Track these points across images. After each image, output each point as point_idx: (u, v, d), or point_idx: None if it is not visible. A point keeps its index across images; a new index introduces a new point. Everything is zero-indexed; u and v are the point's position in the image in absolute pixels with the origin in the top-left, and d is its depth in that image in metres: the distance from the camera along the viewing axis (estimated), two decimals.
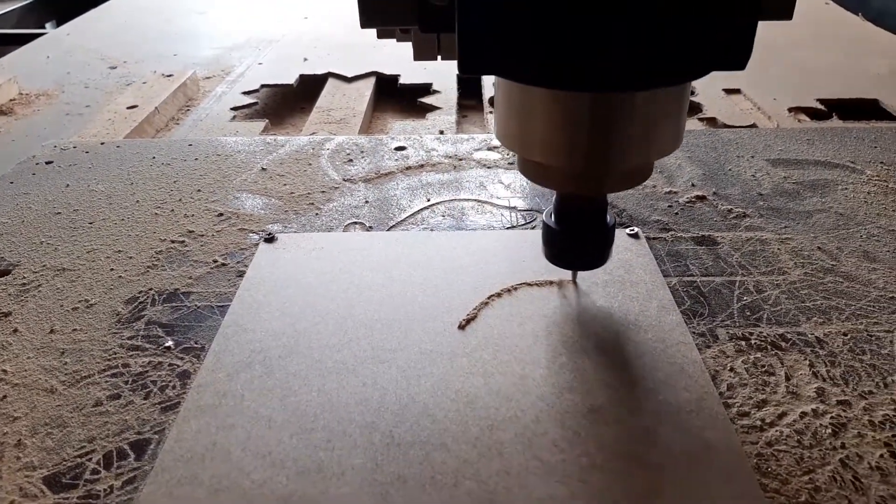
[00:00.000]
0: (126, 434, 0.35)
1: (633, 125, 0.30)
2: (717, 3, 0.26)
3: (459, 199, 0.56)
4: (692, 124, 0.75)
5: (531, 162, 0.34)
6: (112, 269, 0.48)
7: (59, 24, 1.42)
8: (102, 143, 0.67)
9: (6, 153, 0.70)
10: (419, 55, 0.35)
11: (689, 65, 0.28)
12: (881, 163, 0.61)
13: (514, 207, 0.55)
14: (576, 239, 0.38)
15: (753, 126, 0.73)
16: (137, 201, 0.57)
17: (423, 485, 0.31)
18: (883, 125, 0.71)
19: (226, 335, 0.41)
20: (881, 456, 0.33)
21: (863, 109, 0.79)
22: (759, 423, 0.35)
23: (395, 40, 0.36)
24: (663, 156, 0.33)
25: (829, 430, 0.35)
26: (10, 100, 0.94)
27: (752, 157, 0.63)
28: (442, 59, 0.35)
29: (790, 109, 0.78)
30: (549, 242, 0.39)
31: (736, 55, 0.27)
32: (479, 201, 0.56)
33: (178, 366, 0.39)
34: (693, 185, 0.58)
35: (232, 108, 0.82)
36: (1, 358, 0.40)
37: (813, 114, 0.77)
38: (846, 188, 0.57)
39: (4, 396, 0.37)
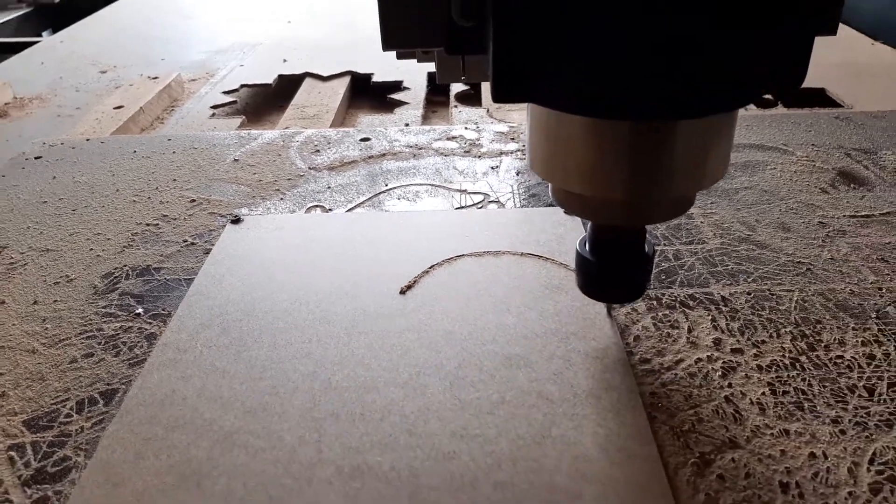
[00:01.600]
0: (97, 385, 0.39)
1: (681, 153, 0.28)
2: (771, 19, 0.24)
3: (415, 184, 0.61)
4: None
5: (567, 192, 0.32)
6: (91, 249, 0.53)
7: (54, 32, 1.47)
8: (88, 140, 0.72)
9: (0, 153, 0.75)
10: (443, 77, 0.35)
11: (740, 89, 0.25)
12: (812, 145, 0.66)
13: (465, 190, 0.60)
14: (613, 272, 0.36)
15: None
16: (117, 190, 0.61)
17: (353, 420, 0.36)
18: (822, 111, 0.75)
19: (190, 302, 0.45)
20: (763, 393, 0.37)
21: (810, 98, 0.83)
22: (657, 367, 0.39)
23: (415, 60, 0.36)
24: (711, 184, 0.31)
25: (720, 373, 0.39)
26: (5, 104, 0.98)
27: None
28: (466, 81, 0.34)
29: None
30: (583, 273, 0.37)
31: (792, 73, 0.25)
32: (432, 185, 0.61)
33: (147, 329, 0.44)
34: None
35: (212, 107, 0.87)
36: None
37: (760, 103, 0.82)
38: (774, 168, 0.62)
39: None
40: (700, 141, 0.28)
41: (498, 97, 0.26)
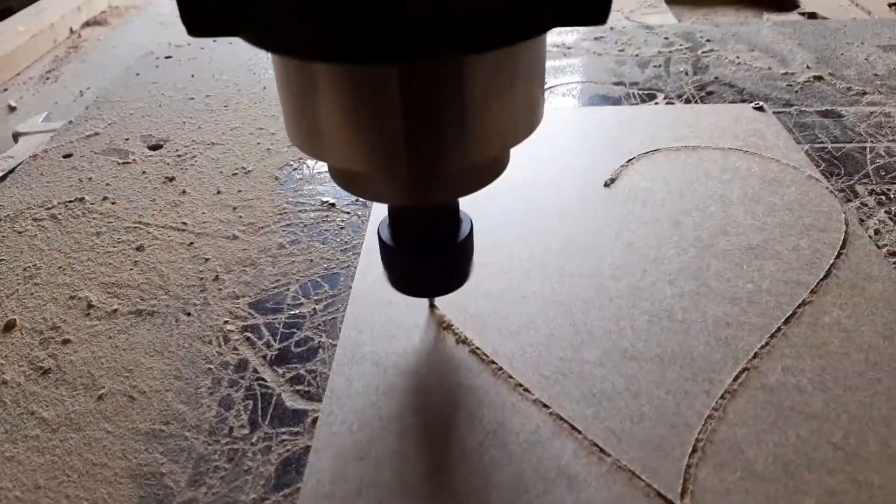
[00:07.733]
0: (315, 269, 0.38)
1: (466, 106, 0.20)
2: None
3: (575, 81, 0.58)
4: (794, 17, 0.75)
5: (333, 167, 0.25)
6: (259, 143, 0.51)
7: None
8: (215, 41, 0.69)
9: (112, 58, 0.73)
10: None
11: (523, 15, 0.19)
12: None
13: (636, 82, 0.56)
14: (421, 261, 0.28)
15: (854, 20, 0.72)
16: (264, 87, 0.59)
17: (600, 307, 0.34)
18: None
19: None
20: None
21: None
22: None
23: None
24: (525, 138, 0.23)
25: None
26: (101, 12, 0.96)
27: (862, 43, 0.63)
28: None
29: (890, 4, 0.77)
30: (387, 264, 0.29)
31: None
32: (595, 83, 0.57)
33: (347, 217, 0.42)
34: (808, 67, 0.58)
35: None
36: (177, 213, 0.43)
37: None
38: None
39: (192, 243, 0.41)
40: (489, 86, 0.20)
41: (192, 28, 0.19)
